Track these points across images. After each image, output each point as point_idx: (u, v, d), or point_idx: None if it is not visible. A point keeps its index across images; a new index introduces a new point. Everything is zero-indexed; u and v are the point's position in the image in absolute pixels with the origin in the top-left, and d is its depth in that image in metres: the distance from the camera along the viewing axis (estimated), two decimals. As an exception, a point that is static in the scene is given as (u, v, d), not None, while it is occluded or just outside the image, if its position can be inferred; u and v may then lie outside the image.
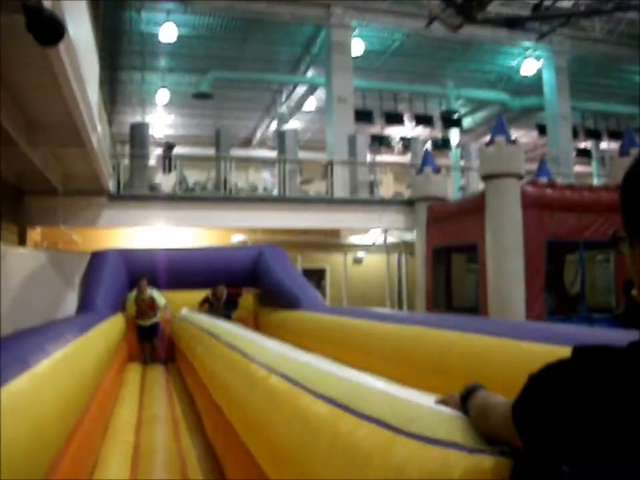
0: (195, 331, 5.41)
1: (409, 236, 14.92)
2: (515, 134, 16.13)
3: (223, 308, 8.68)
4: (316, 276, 17.88)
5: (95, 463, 3.37)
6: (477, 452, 1.08)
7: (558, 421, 0.87)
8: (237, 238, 15.90)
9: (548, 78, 20.86)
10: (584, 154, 22.56)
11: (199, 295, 8.92)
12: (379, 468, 1.28)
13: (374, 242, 16.53)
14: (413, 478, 1.15)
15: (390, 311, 11.13)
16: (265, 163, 21.52)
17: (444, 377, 3.42)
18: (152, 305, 8.53)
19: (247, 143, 27.68)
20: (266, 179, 21.73)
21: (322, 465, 1.52)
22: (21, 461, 1.59)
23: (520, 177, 10.80)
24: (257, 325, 8.66)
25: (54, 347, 2.54)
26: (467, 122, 23.66)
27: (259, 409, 2.28)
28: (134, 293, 8.57)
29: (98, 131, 9.05)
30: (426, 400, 1.42)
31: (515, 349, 2.99)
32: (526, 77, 21.60)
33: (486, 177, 11.06)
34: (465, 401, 1.29)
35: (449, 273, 13.44)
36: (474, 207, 11.42)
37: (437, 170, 13.87)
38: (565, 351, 2.23)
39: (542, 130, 22.24)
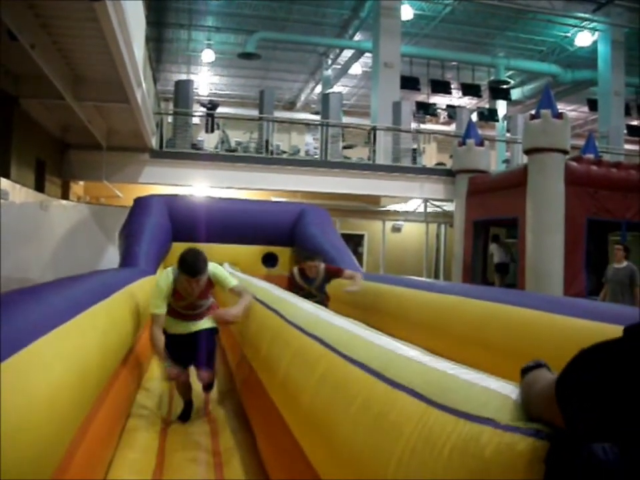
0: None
1: (449, 207, 14.79)
2: (564, 108, 15.73)
3: (318, 292, 5.88)
4: (353, 242, 17.89)
5: (129, 412, 3.46)
6: (511, 430, 1.02)
7: (603, 398, 0.84)
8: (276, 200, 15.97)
9: (603, 52, 20.13)
10: (635, 132, 21.83)
11: (238, 249, 8.85)
12: (408, 438, 1.24)
13: (414, 209, 16.43)
14: (442, 451, 1.12)
15: (427, 280, 10.95)
16: (307, 125, 21.40)
17: (481, 349, 3.38)
18: (206, 291, 4.12)
19: (291, 105, 27.57)
20: (308, 143, 21.68)
21: (351, 429, 1.50)
22: (67, 399, 1.65)
23: (565, 152, 10.55)
24: (291, 284, 8.62)
25: (95, 298, 2.59)
26: (515, 94, 23.09)
27: (291, 369, 2.26)
28: (169, 275, 3.88)
29: (143, 88, 9.11)
30: (460, 372, 1.38)
31: (555, 323, 2.95)
32: (579, 49, 20.90)
33: (530, 151, 10.84)
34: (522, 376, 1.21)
35: (487, 247, 13.32)
36: (515, 181, 11.23)
37: (480, 142, 13.64)
38: (606, 328, 2.20)
39: (593, 105, 21.60)
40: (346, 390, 1.64)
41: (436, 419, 1.19)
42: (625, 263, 8.14)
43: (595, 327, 2.62)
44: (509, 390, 1.18)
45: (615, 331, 0.83)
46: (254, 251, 9.07)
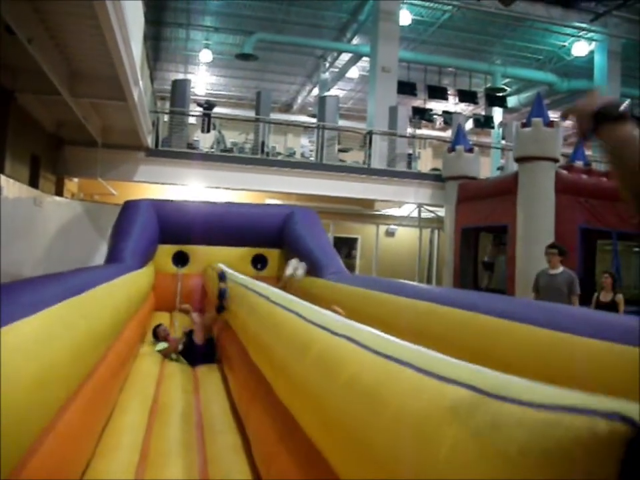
0: (236, 288, 5.34)
1: (443, 212, 14.88)
2: (559, 117, 15.78)
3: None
4: (347, 245, 17.94)
5: (113, 410, 3.48)
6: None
7: None
8: (271, 203, 16.01)
9: (599, 61, 20.28)
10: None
11: (227, 251, 8.92)
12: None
13: (408, 214, 16.50)
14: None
15: (412, 284, 10.89)
16: (303, 128, 21.47)
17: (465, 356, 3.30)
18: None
19: (287, 107, 27.65)
20: (304, 146, 21.73)
21: (386, 439, 1.40)
22: (25, 401, 1.64)
23: (556, 160, 10.64)
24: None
25: (70, 292, 2.57)
26: (511, 101, 23.21)
27: (284, 355, 2.31)
28: None
29: (140, 86, 9.14)
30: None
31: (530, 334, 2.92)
32: (576, 58, 21.04)
33: (520, 159, 10.91)
34: (600, 121, 1.06)
35: (477, 253, 13.39)
36: (506, 188, 11.29)
37: (470, 149, 13.72)
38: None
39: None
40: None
41: (498, 409, 1.12)
42: (560, 269, 7.08)
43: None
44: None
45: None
46: (243, 253, 9.10)
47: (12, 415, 1.43)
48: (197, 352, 5.55)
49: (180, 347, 5.69)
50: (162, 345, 5.82)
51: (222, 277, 5.42)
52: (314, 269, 7.15)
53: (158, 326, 6.31)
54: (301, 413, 2.15)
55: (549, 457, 0.96)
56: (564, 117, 1.24)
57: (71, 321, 2.30)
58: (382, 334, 1.99)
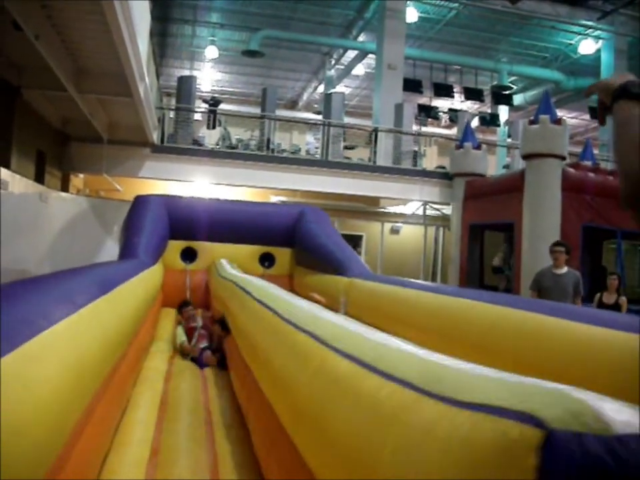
0: (227, 284, 5.41)
1: (448, 210, 14.85)
2: (565, 115, 15.77)
3: None
4: (352, 242, 17.91)
5: (126, 406, 3.49)
6: (505, 415, 0.93)
7: None
8: (276, 199, 16.01)
9: (606, 60, 20.18)
10: (636, 141, 21.85)
11: (235, 249, 8.93)
12: (403, 427, 1.19)
13: (413, 212, 16.48)
14: (437, 440, 1.07)
15: (448, 287, 10.88)
16: (309, 125, 21.45)
17: (487, 355, 3.31)
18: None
19: (292, 104, 27.63)
20: (309, 143, 21.71)
21: (343, 422, 1.48)
22: (60, 400, 1.65)
23: (563, 158, 10.61)
24: (291, 284, 8.65)
25: (99, 291, 2.58)
26: (517, 99, 23.14)
27: (284, 364, 2.24)
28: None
29: (146, 82, 9.14)
30: (455, 363, 1.34)
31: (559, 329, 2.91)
32: (583, 57, 20.97)
33: (527, 156, 10.89)
34: (618, 97, 1.06)
35: (483, 250, 13.37)
36: (512, 186, 11.27)
37: (478, 146, 13.69)
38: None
39: (594, 113, 21.66)
40: (338, 384, 1.63)
41: (431, 408, 1.15)
42: (565, 268, 6.74)
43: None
44: (506, 375, 1.14)
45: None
46: (251, 251, 9.10)
47: (50, 412, 1.44)
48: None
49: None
50: (181, 337, 5.76)
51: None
52: (336, 269, 7.13)
53: (185, 304, 6.20)
54: (276, 404, 2.22)
55: (468, 463, 0.96)
56: (588, 94, 1.28)
57: (103, 319, 2.32)
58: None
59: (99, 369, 2.20)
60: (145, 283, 4.77)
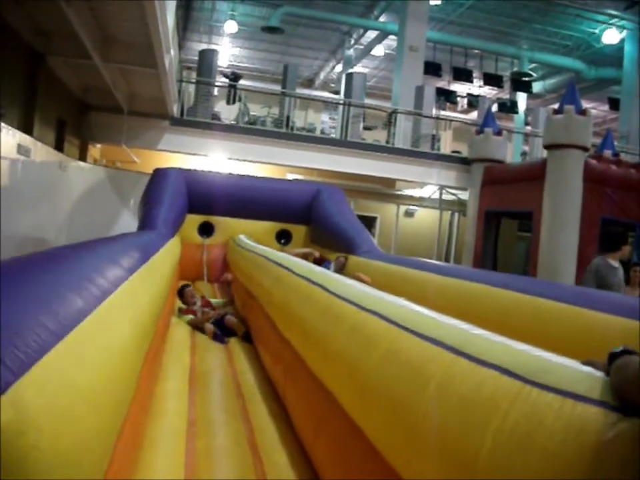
0: (257, 259, 5.31)
1: (464, 195, 14.79)
2: (584, 105, 15.63)
3: None
4: (366, 223, 17.87)
5: (157, 378, 3.50)
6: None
7: None
8: (292, 177, 15.97)
9: (630, 50, 19.89)
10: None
11: (253, 224, 8.95)
12: (505, 415, 1.17)
13: (429, 196, 16.43)
14: (553, 430, 1.06)
15: (449, 264, 10.82)
16: (329, 104, 21.31)
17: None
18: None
19: (309, 83, 27.44)
20: (324, 122, 21.59)
21: (430, 412, 1.40)
22: (127, 359, 1.66)
23: (586, 149, 10.54)
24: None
25: (129, 266, 2.48)
26: (536, 87, 22.92)
27: (344, 344, 2.15)
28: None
29: (171, 54, 9.10)
30: (544, 353, 1.31)
31: (579, 317, 2.92)
32: (606, 47, 20.67)
33: (550, 146, 10.81)
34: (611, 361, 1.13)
35: (498, 237, 13.34)
36: (533, 174, 11.21)
37: (498, 132, 13.60)
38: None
39: (613, 104, 21.46)
40: (419, 368, 1.55)
41: (540, 398, 1.13)
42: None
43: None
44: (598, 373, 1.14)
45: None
46: (268, 227, 9.15)
47: (106, 394, 1.41)
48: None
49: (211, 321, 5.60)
50: (187, 317, 5.79)
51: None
52: (347, 247, 7.16)
53: (186, 286, 6.25)
54: (338, 386, 2.16)
55: (586, 451, 0.98)
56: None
57: (147, 284, 2.32)
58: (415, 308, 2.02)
59: (149, 329, 2.21)
60: (169, 255, 4.79)
